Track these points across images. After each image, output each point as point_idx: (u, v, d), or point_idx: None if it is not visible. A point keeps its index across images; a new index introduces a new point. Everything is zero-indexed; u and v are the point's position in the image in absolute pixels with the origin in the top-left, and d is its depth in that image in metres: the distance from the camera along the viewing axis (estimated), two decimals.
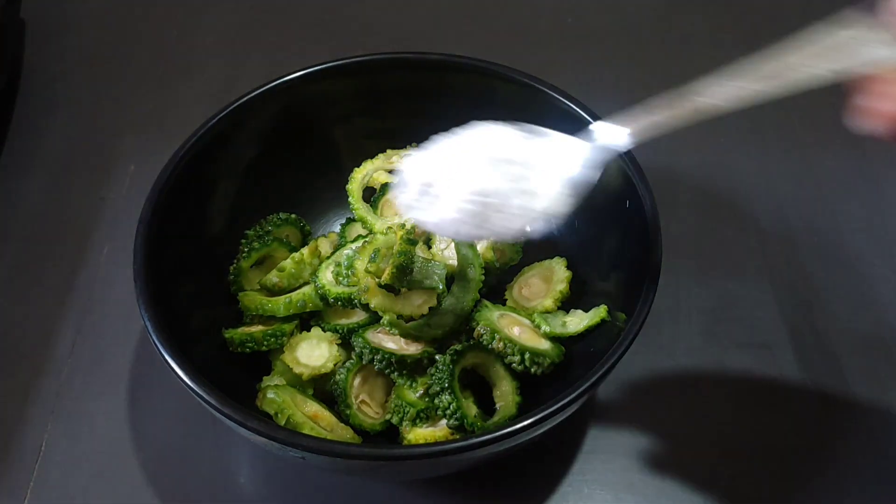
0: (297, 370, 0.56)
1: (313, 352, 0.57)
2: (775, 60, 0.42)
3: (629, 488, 0.58)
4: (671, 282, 0.67)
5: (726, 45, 0.89)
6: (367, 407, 0.57)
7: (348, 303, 0.57)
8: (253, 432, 0.46)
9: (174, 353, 0.49)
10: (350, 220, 0.66)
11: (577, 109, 0.60)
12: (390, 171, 0.67)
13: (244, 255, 0.61)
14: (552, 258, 0.65)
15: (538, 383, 0.58)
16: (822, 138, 0.80)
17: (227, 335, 0.57)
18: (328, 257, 0.61)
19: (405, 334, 0.57)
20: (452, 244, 0.61)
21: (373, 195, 0.67)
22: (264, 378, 0.57)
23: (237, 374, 0.57)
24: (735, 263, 0.70)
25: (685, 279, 0.69)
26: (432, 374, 0.55)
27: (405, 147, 0.68)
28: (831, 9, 0.97)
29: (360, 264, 0.56)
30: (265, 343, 0.57)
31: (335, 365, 0.57)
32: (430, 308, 0.57)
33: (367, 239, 0.59)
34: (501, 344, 0.57)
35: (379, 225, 0.62)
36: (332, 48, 0.87)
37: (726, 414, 0.61)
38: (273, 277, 0.60)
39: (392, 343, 0.56)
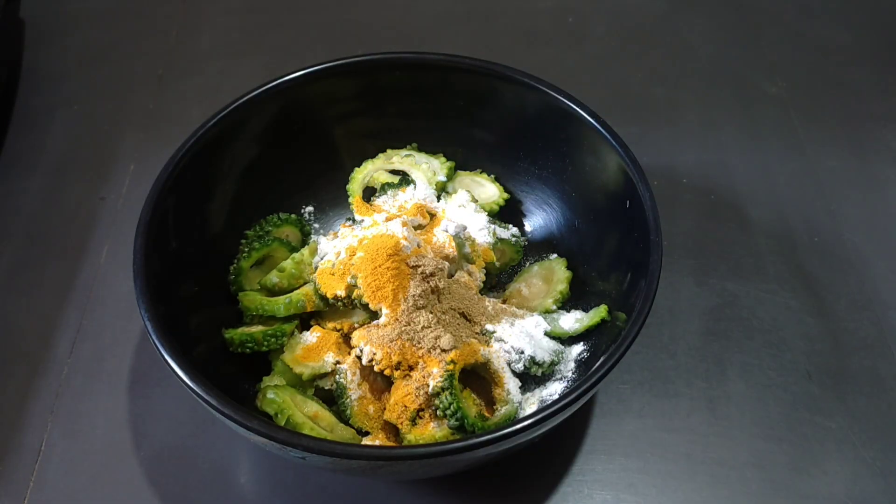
0: (297, 370, 0.56)
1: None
2: None
3: (629, 488, 0.58)
4: (671, 282, 0.67)
5: (727, 46, 0.89)
6: (368, 406, 0.57)
7: (348, 303, 0.57)
8: (253, 432, 0.46)
9: (174, 353, 0.49)
10: (350, 220, 0.66)
11: (578, 109, 0.60)
12: (391, 171, 0.67)
13: (244, 255, 0.61)
14: (552, 258, 0.65)
15: (539, 383, 0.58)
16: (822, 138, 0.80)
17: (227, 335, 0.57)
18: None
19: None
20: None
21: (373, 195, 0.67)
22: (264, 378, 0.57)
23: (237, 374, 0.57)
24: (735, 263, 0.70)
25: (685, 279, 0.69)
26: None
27: (405, 147, 0.68)
28: (830, 9, 0.98)
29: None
30: (265, 343, 0.57)
31: (335, 364, 0.57)
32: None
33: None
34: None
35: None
36: (332, 48, 0.87)
37: (726, 413, 0.61)
38: (273, 277, 0.60)
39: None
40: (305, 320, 0.60)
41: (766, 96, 0.84)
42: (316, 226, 0.68)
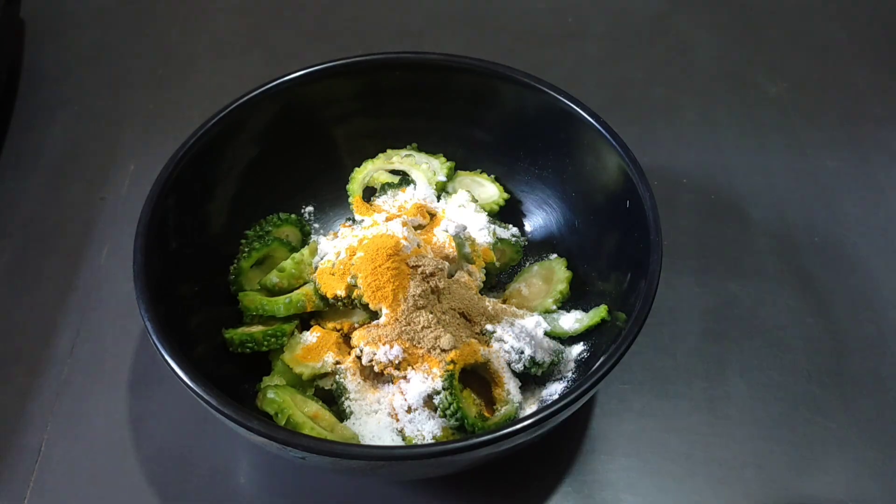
0: (297, 370, 0.56)
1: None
2: None
3: (629, 488, 0.58)
4: (671, 282, 0.67)
5: (726, 45, 0.89)
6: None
7: (348, 302, 0.57)
8: (253, 432, 0.46)
9: (174, 353, 0.49)
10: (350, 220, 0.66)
11: (578, 109, 0.60)
12: (391, 171, 0.67)
13: (244, 255, 0.61)
14: (552, 258, 0.65)
15: (539, 383, 0.58)
16: (822, 138, 0.80)
17: (227, 335, 0.57)
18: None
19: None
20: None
21: (373, 195, 0.67)
22: (264, 378, 0.57)
23: (237, 374, 0.57)
24: (735, 263, 0.70)
25: (685, 279, 0.69)
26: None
27: (405, 147, 0.68)
28: (830, 9, 0.98)
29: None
30: (265, 343, 0.57)
31: (335, 364, 0.57)
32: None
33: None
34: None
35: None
36: (332, 48, 0.87)
37: (726, 413, 0.61)
38: (273, 278, 0.60)
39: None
40: (305, 320, 0.60)
41: (766, 96, 0.84)
42: (316, 226, 0.68)
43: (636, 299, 0.52)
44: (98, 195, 0.75)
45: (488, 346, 0.57)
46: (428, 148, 0.68)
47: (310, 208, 0.68)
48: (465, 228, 0.62)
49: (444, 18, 0.92)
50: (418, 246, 0.59)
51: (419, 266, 0.57)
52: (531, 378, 0.58)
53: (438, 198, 0.66)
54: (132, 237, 0.54)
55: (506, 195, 0.67)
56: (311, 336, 0.58)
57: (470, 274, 0.61)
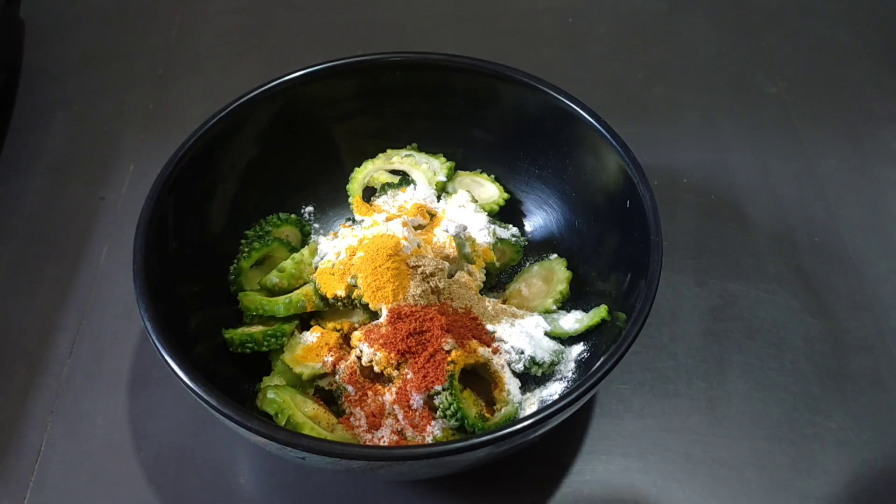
0: (297, 370, 0.56)
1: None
2: None
3: (629, 488, 0.58)
4: (671, 282, 0.67)
5: (727, 46, 0.89)
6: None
7: (348, 302, 0.57)
8: (253, 432, 0.46)
9: (174, 353, 0.49)
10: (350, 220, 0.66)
11: (578, 109, 0.60)
12: (391, 171, 0.67)
13: (244, 255, 0.61)
14: (552, 258, 0.65)
15: (539, 383, 0.58)
16: (822, 138, 0.80)
17: (227, 335, 0.57)
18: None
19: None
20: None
21: (373, 195, 0.67)
22: (264, 378, 0.57)
23: (237, 374, 0.57)
24: (735, 263, 0.70)
25: (685, 279, 0.69)
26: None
27: (405, 147, 0.68)
28: (830, 8, 0.98)
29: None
30: (265, 343, 0.57)
31: (335, 365, 0.57)
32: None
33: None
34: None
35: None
36: (332, 48, 0.87)
37: (726, 413, 0.61)
38: (273, 278, 0.60)
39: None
40: (305, 320, 0.60)
41: (766, 96, 0.84)
42: (316, 226, 0.68)
43: (636, 299, 0.52)
44: (98, 195, 0.75)
45: (488, 346, 0.57)
46: (428, 148, 0.68)
47: (310, 208, 0.68)
48: (465, 228, 0.62)
49: (444, 18, 0.92)
50: (418, 246, 0.59)
51: (419, 266, 0.57)
52: (531, 378, 0.58)
53: (438, 198, 0.66)
54: (132, 237, 0.54)
55: (506, 195, 0.67)
56: (311, 336, 0.58)
57: (470, 274, 0.61)
